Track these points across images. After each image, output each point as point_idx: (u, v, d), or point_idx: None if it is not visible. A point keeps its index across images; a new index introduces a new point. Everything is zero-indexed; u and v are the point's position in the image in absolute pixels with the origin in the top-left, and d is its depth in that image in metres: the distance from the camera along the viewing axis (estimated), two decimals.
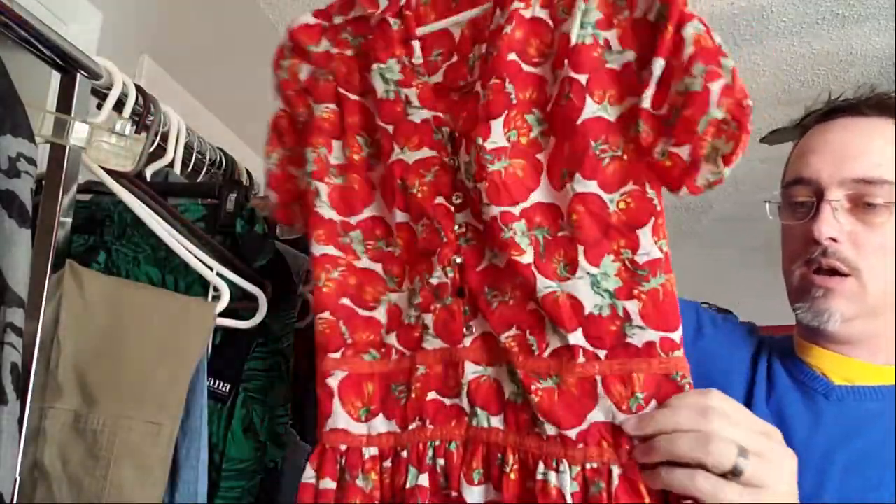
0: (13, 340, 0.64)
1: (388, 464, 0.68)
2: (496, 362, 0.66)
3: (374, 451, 0.68)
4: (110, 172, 0.82)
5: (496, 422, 0.65)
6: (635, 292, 0.62)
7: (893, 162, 0.76)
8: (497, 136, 0.65)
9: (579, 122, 0.63)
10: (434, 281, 0.69)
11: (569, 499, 0.58)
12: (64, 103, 0.76)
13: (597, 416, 0.60)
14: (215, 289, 0.86)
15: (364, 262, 0.73)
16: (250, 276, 0.90)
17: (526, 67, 0.66)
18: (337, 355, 0.71)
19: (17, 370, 0.64)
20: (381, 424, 0.69)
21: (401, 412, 0.69)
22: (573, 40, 0.63)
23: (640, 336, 0.61)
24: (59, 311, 0.74)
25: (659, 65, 0.60)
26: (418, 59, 0.72)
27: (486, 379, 0.67)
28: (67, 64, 0.75)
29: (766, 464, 0.57)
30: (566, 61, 0.63)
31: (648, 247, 0.62)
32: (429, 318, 0.70)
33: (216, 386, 0.87)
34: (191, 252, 0.85)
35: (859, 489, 0.72)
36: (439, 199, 0.69)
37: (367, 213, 0.74)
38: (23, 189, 0.66)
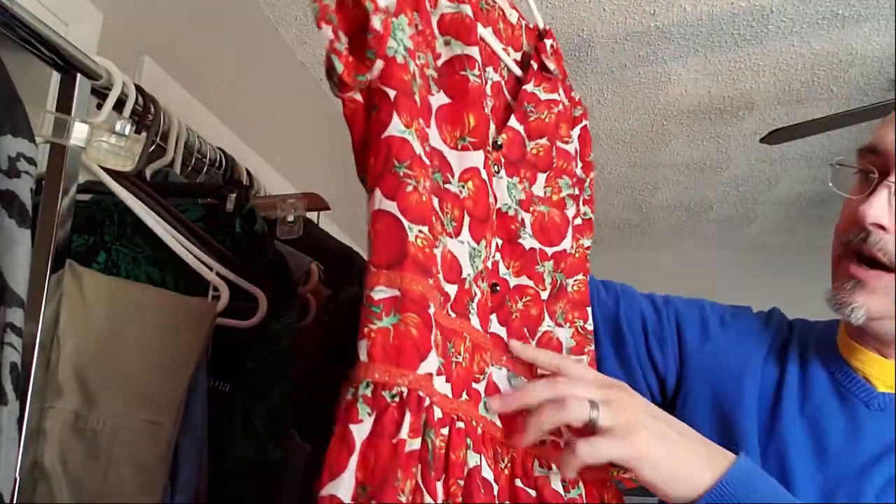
0: (13, 340, 0.64)
1: (445, 431, 0.56)
2: (497, 364, 0.67)
3: (440, 412, 0.55)
4: (110, 172, 0.82)
5: (495, 418, 0.65)
6: (585, 350, 0.79)
7: None
8: (539, 187, 0.76)
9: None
10: (488, 263, 0.65)
11: (563, 496, 0.64)
12: (64, 103, 0.76)
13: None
14: (215, 289, 0.86)
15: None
16: (250, 276, 0.90)
17: (558, 143, 0.80)
18: (431, 283, 0.55)
19: (17, 370, 0.64)
20: (441, 383, 0.56)
21: (452, 377, 0.58)
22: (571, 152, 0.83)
23: None
24: (59, 311, 0.74)
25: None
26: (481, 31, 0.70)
27: (491, 375, 0.66)
28: (67, 64, 0.75)
29: (616, 410, 0.62)
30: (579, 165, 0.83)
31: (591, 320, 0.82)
32: (477, 291, 0.63)
33: (216, 386, 0.87)
34: (191, 252, 0.85)
35: None
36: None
37: (430, 138, 0.61)
38: (23, 189, 0.66)
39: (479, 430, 0.60)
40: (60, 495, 0.72)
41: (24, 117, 0.68)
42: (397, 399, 0.50)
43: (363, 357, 0.51)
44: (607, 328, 0.89)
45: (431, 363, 0.53)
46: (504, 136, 0.71)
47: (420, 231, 0.54)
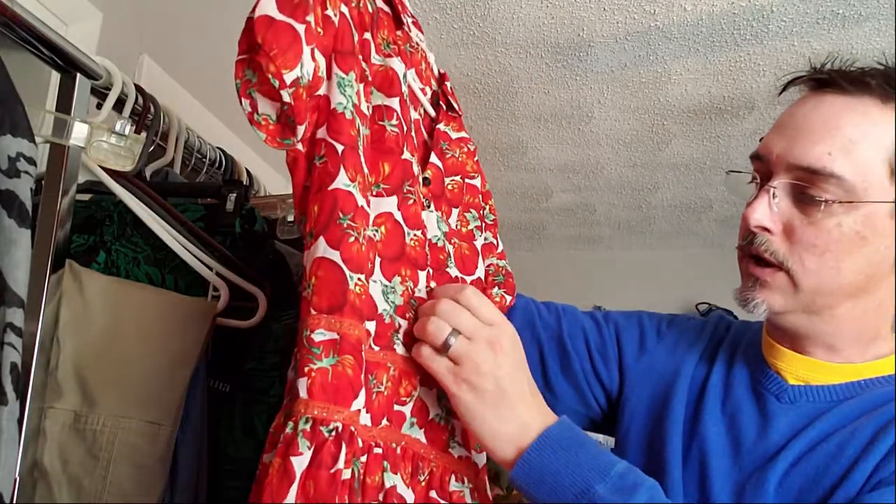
0: (13, 340, 0.64)
1: (363, 458, 0.60)
2: (426, 385, 0.70)
3: (360, 442, 0.59)
4: (110, 172, 0.82)
5: (420, 434, 0.69)
6: None
7: (854, 153, 0.69)
8: (453, 220, 0.79)
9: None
10: (416, 293, 0.69)
11: None
12: (63, 103, 0.76)
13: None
14: (215, 288, 0.86)
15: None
16: (250, 276, 0.90)
17: (467, 180, 0.85)
18: (370, 326, 0.62)
19: (17, 370, 0.64)
20: (363, 415, 0.60)
21: (373, 406, 0.62)
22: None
23: None
24: (59, 311, 0.74)
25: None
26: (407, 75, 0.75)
27: (418, 396, 0.69)
28: (67, 64, 0.75)
29: (474, 345, 0.65)
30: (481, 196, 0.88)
31: None
32: (403, 324, 0.68)
33: (216, 386, 0.87)
34: (190, 252, 0.85)
35: (798, 486, 0.69)
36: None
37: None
38: (23, 189, 0.66)
39: (399, 450, 0.65)
40: (60, 495, 0.72)
41: (23, 117, 0.68)
42: (334, 433, 0.55)
43: (303, 393, 0.55)
44: (552, 347, 0.90)
45: (361, 399, 0.58)
46: (430, 171, 0.75)
47: (359, 279, 0.59)
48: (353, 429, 0.56)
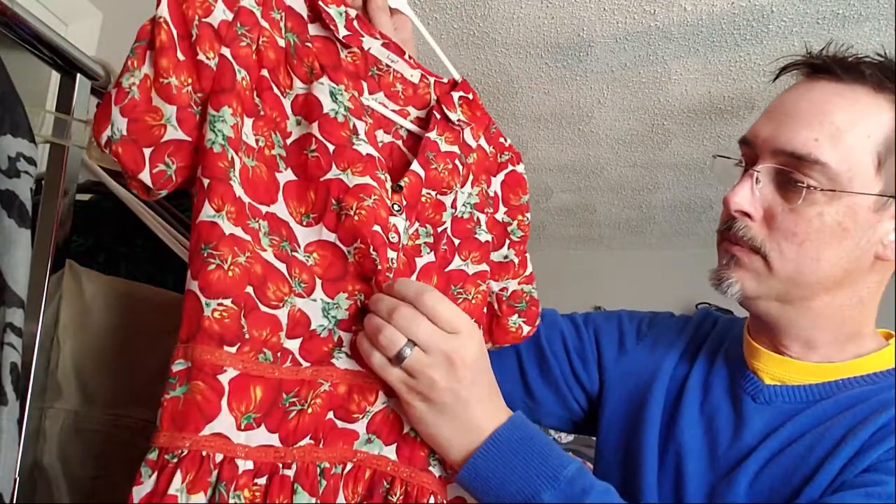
0: (13, 341, 0.64)
1: (261, 481, 0.60)
2: (397, 398, 0.68)
3: (249, 464, 0.60)
4: (110, 172, 0.82)
5: (388, 451, 0.67)
6: None
7: (842, 141, 0.68)
8: (412, 232, 0.77)
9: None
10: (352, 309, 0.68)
11: None
12: (64, 103, 0.76)
13: None
14: None
15: (268, 256, 0.63)
16: None
17: (438, 195, 0.80)
18: (233, 350, 0.60)
19: (17, 370, 0.64)
20: (260, 436, 0.61)
21: (287, 426, 0.62)
22: (453, 214, 0.80)
23: None
24: (59, 312, 0.74)
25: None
26: (366, 100, 0.73)
27: (389, 410, 0.68)
28: (67, 64, 0.75)
29: (429, 359, 0.61)
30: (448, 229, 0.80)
31: None
32: (347, 337, 0.66)
33: None
34: None
35: (768, 486, 0.69)
36: (376, 228, 0.67)
37: (272, 209, 0.65)
38: (23, 189, 0.66)
39: (339, 469, 0.64)
40: (60, 495, 0.72)
41: (23, 117, 0.68)
42: (175, 460, 0.56)
43: (157, 424, 0.57)
44: (530, 353, 0.89)
45: (224, 422, 0.58)
46: (407, 179, 0.74)
47: (220, 304, 0.59)
48: (204, 453, 0.57)
